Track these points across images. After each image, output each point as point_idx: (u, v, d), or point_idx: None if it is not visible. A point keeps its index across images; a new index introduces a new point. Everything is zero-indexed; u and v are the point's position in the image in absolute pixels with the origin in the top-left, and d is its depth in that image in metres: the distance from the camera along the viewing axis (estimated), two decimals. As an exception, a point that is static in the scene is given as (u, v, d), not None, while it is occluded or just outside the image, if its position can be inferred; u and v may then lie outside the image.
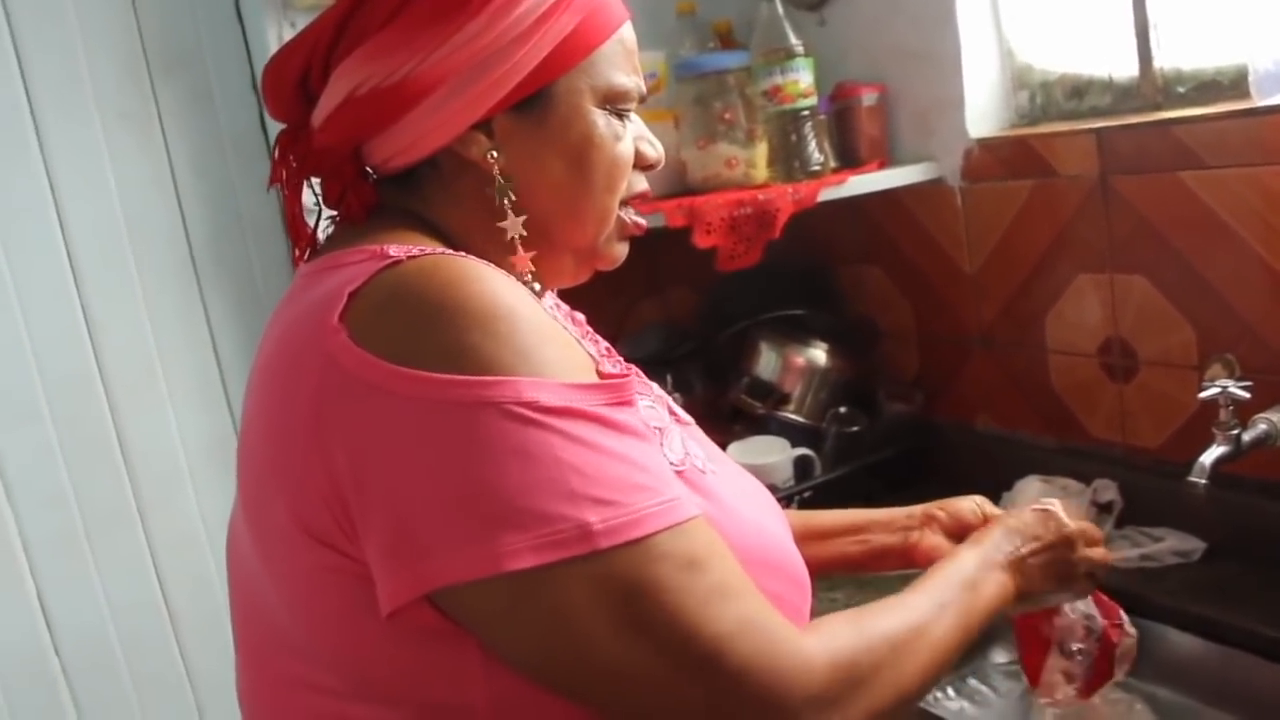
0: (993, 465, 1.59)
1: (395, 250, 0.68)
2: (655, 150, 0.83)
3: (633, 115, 0.81)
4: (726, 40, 1.83)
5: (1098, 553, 0.96)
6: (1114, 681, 1.03)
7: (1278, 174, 1.21)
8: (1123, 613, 1.03)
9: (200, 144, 1.69)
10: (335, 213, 0.80)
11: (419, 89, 0.72)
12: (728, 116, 1.61)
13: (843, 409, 1.73)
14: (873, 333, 1.85)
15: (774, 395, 1.74)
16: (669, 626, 0.62)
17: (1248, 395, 1.10)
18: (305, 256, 0.81)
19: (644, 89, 0.81)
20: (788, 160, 1.61)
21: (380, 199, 0.78)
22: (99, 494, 1.65)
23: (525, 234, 0.76)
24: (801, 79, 1.59)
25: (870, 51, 1.73)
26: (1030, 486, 1.48)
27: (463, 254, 0.69)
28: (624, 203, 0.82)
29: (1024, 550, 0.90)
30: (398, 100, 0.73)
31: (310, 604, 0.67)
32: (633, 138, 0.81)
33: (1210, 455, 1.08)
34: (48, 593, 1.62)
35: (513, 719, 0.66)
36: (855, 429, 1.70)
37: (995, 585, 0.85)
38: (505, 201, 0.75)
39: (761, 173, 1.63)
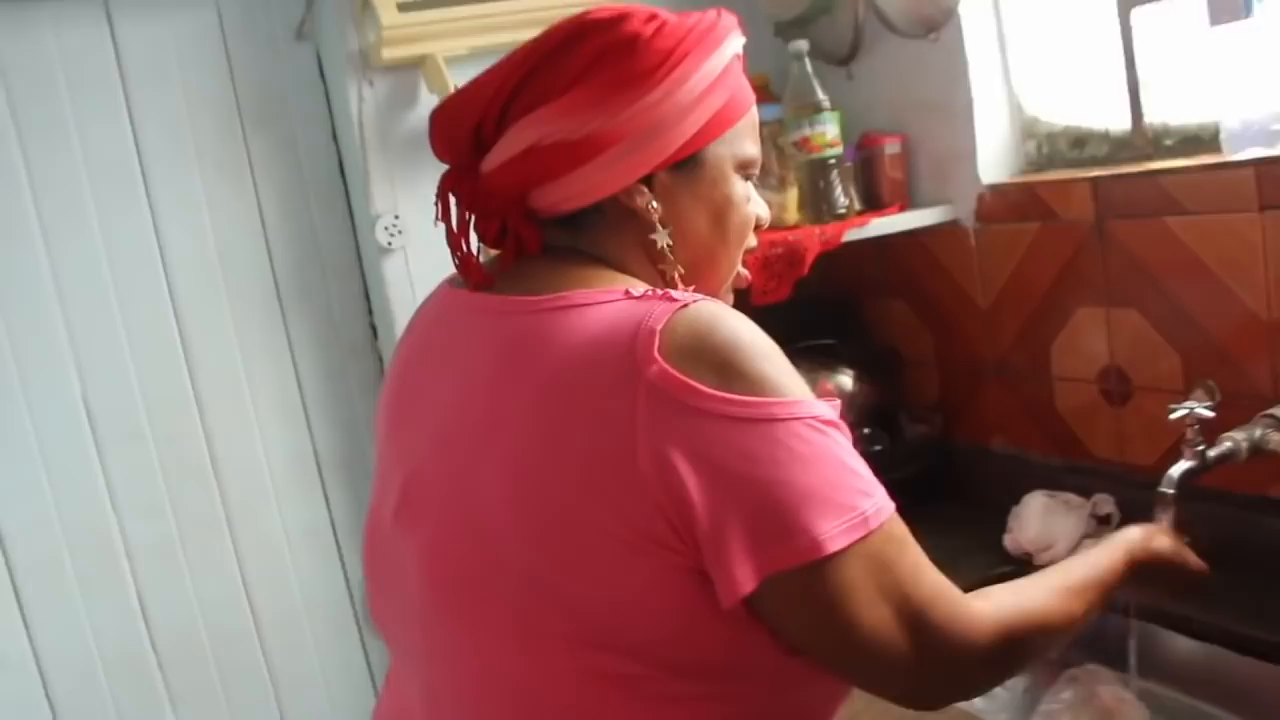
0: (1006, 482, 1.72)
1: (675, 294, 0.78)
2: (766, 212, 0.95)
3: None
4: (763, 94, 1.98)
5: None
6: None
7: (1247, 220, 1.33)
8: None
9: (285, 190, 1.85)
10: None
11: (599, 145, 0.82)
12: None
13: (867, 430, 1.87)
14: (896, 360, 1.98)
15: (805, 418, 1.88)
16: (897, 591, 0.75)
17: (1212, 414, 1.23)
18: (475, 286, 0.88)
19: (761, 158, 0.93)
20: (816, 204, 1.77)
21: (544, 238, 0.87)
22: (192, 505, 1.81)
23: (684, 272, 0.88)
24: (828, 131, 1.75)
25: (893, 104, 1.87)
26: (1035, 500, 1.60)
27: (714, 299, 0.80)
28: None
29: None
30: (578, 153, 0.83)
31: (640, 601, 0.75)
32: (753, 200, 0.93)
33: (1178, 469, 1.21)
34: (146, 594, 1.78)
35: (791, 680, 0.80)
36: (879, 448, 1.84)
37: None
38: (665, 246, 0.86)
39: (793, 215, 1.78)
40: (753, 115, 0.91)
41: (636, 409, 0.72)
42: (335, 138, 1.88)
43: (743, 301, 1.67)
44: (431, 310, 0.95)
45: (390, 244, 1.79)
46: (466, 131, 0.87)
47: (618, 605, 0.76)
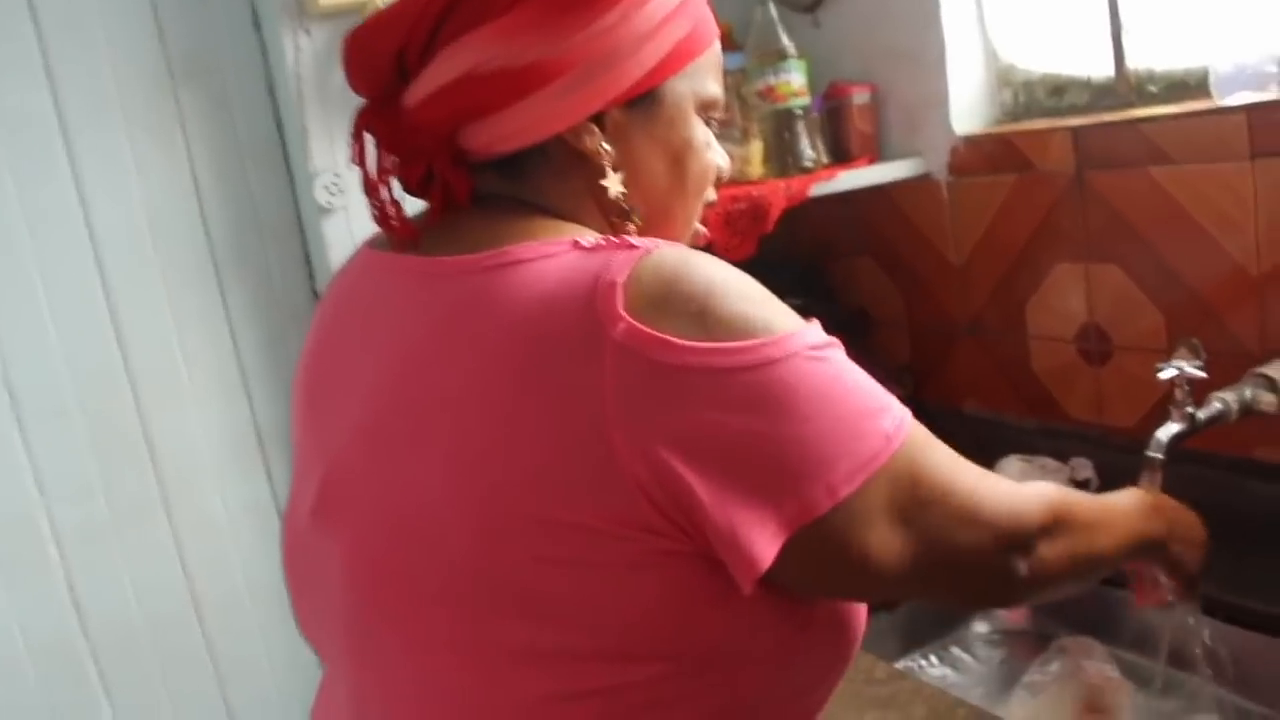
0: (979, 446, 1.61)
1: (633, 241, 0.69)
2: (726, 162, 0.86)
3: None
4: (725, 42, 1.88)
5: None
6: None
7: (1236, 170, 1.26)
8: None
9: (220, 149, 1.74)
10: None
11: (546, 74, 0.72)
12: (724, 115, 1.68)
13: (837, 395, 1.80)
14: (865, 321, 1.91)
15: (771, 383, 1.81)
16: (937, 494, 0.69)
17: (1203, 375, 1.16)
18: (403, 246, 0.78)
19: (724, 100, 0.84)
20: (781, 157, 1.68)
21: (476, 185, 0.77)
22: (125, 485, 1.71)
23: (641, 224, 0.78)
24: (794, 80, 1.66)
25: (862, 52, 1.78)
26: (1011, 465, 1.54)
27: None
28: None
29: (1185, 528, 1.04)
30: (521, 83, 0.72)
31: (619, 594, 0.66)
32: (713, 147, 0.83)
33: (1166, 431, 1.14)
34: (76, 580, 1.67)
35: (787, 660, 0.72)
36: (848, 414, 1.77)
37: (1154, 524, 0.97)
38: (619, 194, 0.76)
39: (756, 169, 1.69)
40: (716, 50, 0.81)
41: (603, 377, 0.63)
42: (271, 92, 1.76)
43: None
44: (350, 276, 0.84)
45: (330, 204, 1.68)
46: (387, 58, 0.76)
47: (592, 603, 0.66)
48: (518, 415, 0.65)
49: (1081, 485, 1.51)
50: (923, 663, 1.45)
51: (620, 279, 0.65)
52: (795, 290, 1.88)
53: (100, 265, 1.67)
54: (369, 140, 0.79)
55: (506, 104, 0.73)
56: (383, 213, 0.78)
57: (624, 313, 0.63)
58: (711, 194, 0.85)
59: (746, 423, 0.64)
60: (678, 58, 0.77)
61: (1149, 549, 0.96)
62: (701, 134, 0.81)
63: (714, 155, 0.83)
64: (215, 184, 1.75)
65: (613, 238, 0.70)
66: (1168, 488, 1.36)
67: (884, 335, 1.88)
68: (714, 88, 0.81)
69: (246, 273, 1.78)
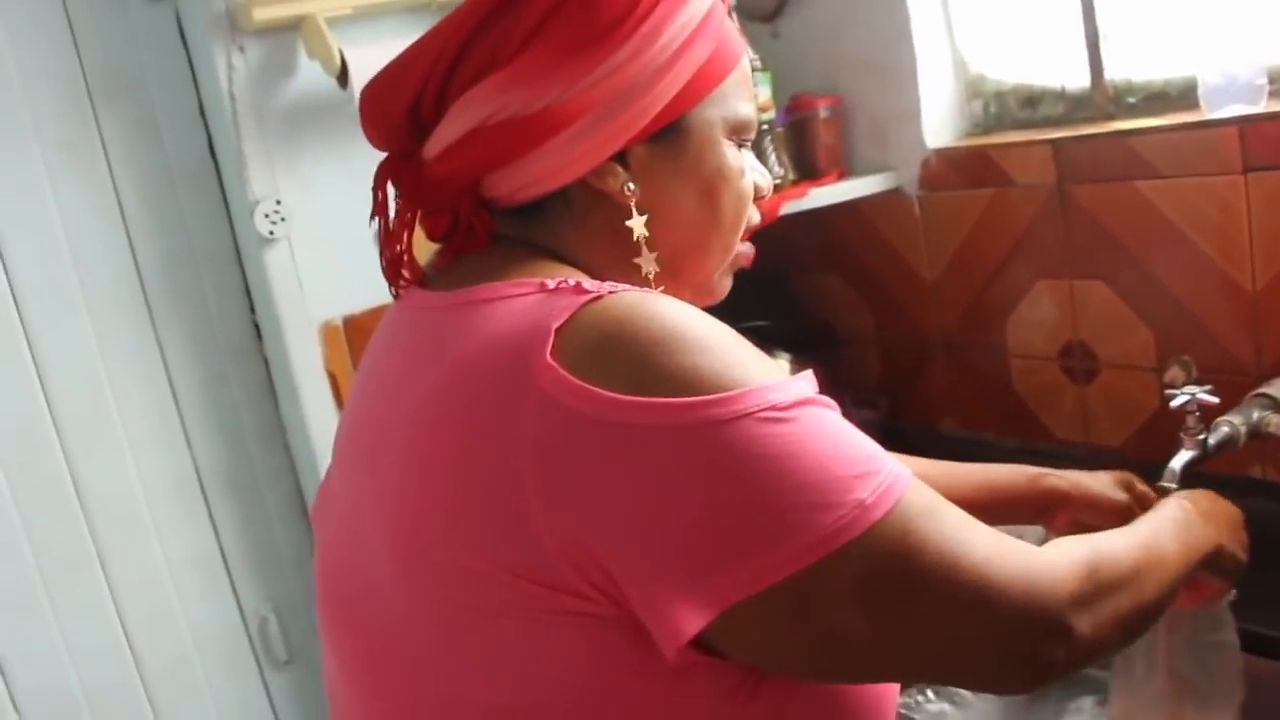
0: None
1: (589, 284, 0.65)
2: (766, 180, 0.82)
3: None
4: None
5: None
6: None
7: (1229, 184, 1.23)
8: None
9: (147, 173, 1.62)
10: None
11: (560, 120, 0.70)
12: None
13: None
14: (834, 340, 1.86)
15: (741, 407, 1.75)
16: (937, 572, 0.62)
17: (1216, 400, 1.12)
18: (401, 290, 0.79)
19: (758, 120, 0.80)
20: (749, 175, 1.62)
21: (497, 229, 0.75)
22: (54, 540, 1.58)
23: (659, 269, 0.74)
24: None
25: (825, 63, 1.73)
26: (999, 489, 1.50)
27: (648, 289, 0.68)
28: None
29: (1225, 517, 0.95)
30: (535, 131, 0.70)
31: (535, 658, 0.63)
32: (749, 169, 0.79)
33: (1180, 460, 1.10)
34: (3, 646, 1.55)
35: None
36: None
37: (1201, 531, 0.89)
38: (641, 237, 0.73)
39: (722, 188, 1.64)
40: (744, 68, 0.77)
41: (523, 427, 0.60)
42: (203, 113, 1.65)
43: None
44: (393, 308, 0.82)
45: (272, 233, 1.57)
46: (401, 113, 0.74)
47: (509, 657, 0.63)
48: (442, 457, 0.64)
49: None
50: (919, 698, 1.40)
51: (556, 324, 0.62)
52: (760, 311, 1.82)
53: (17, 299, 1.55)
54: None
55: (523, 153, 0.71)
56: (395, 260, 0.76)
57: (552, 360, 0.60)
58: (755, 215, 0.82)
59: (675, 488, 0.59)
60: (701, 84, 0.73)
61: (1202, 565, 0.89)
62: (733, 160, 0.76)
63: (749, 179, 0.78)
64: (143, 212, 1.63)
65: (572, 280, 0.66)
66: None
67: (853, 353, 1.83)
68: (744, 109, 0.77)
69: (181, 307, 1.66)
